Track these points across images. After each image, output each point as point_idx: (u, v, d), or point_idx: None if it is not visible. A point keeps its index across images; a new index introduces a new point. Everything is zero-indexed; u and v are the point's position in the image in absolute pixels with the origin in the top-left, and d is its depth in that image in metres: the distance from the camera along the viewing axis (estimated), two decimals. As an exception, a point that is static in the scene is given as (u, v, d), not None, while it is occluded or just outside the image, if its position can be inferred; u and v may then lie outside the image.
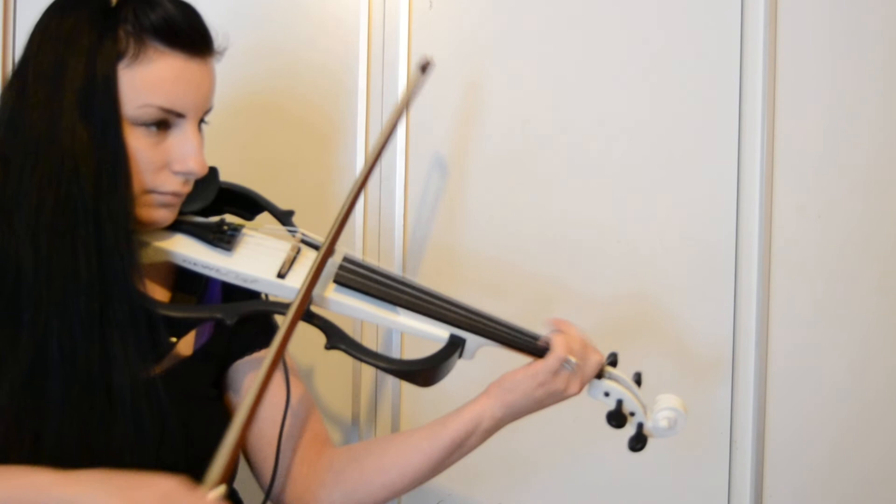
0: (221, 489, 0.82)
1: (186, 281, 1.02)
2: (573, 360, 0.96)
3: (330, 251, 0.97)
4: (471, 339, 0.98)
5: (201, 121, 0.96)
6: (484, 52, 1.45)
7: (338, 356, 0.97)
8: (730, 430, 1.48)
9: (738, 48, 1.46)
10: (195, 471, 0.86)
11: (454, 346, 0.97)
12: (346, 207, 0.99)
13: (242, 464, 1.06)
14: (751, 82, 1.46)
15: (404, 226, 1.43)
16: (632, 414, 1.00)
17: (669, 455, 1.48)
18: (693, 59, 1.46)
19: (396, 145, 1.43)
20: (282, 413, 1.02)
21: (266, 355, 0.91)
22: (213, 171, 1.04)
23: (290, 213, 1.06)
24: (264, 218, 1.08)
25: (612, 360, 1.03)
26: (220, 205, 1.04)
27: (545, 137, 1.46)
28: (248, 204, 1.07)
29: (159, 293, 1.01)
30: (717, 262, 1.47)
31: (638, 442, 0.99)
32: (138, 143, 0.89)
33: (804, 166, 1.47)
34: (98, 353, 0.88)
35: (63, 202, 0.86)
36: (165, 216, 0.95)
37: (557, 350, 0.96)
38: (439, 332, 0.98)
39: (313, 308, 0.96)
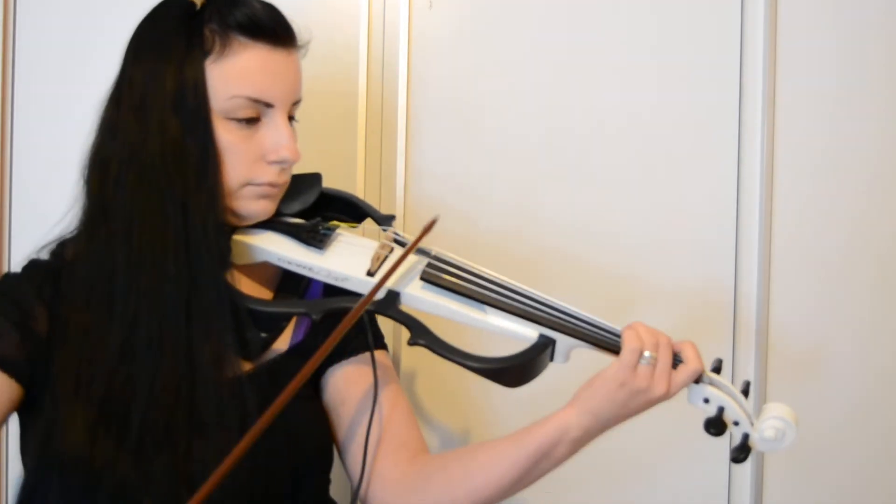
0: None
1: (288, 284, 1.05)
2: (648, 353, 0.92)
3: (415, 245, 0.96)
4: (560, 339, 0.95)
5: (291, 118, 0.99)
6: (484, 53, 1.45)
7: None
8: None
9: (737, 47, 1.46)
10: (287, 464, 0.95)
11: (543, 347, 0.95)
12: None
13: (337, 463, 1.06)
14: (751, 81, 1.46)
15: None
16: (735, 423, 0.95)
17: (669, 455, 1.48)
18: (692, 57, 1.46)
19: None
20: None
21: (363, 359, 1.03)
22: (316, 177, 1.06)
23: (390, 218, 1.05)
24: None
25: (716, 367, 0.98)
26: (322, 210, 1.04)
27: (545, 137, 1.46)
28: (350, 209, 1.07)
29: (262, 295, 1.03)
30: (716, 262, 1.48)
31: (741, 452, 0.94)
32: (231, 136, 0.93)
33: (804, 165, 1.48)
34: (184, 344, 0.90)
35: (154, 196, 0.90)
36: (266, 207, 0.98)
37: (627, 343, 0.93)
38: (528, 332, 0.96)
39: (402, 307, 0.95)
